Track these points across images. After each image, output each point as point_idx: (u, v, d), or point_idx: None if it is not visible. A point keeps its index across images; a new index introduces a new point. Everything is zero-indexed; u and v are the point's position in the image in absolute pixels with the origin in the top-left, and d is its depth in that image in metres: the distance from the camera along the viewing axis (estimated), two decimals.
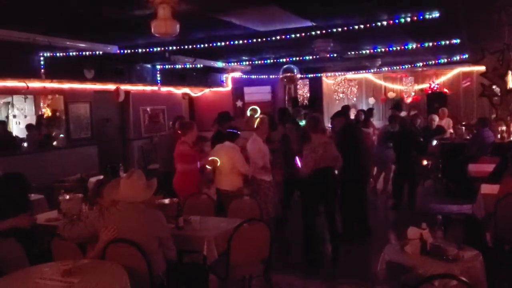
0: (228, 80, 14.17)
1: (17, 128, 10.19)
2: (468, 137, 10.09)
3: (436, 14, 5.90)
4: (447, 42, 8.29)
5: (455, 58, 11.48)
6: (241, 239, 4.31)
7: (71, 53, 7.74)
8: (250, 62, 11.32)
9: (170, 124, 8.62)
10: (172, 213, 4.66)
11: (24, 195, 4.58)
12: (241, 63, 11.53)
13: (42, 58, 8.04)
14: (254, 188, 6.42)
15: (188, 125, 6.44)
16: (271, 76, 13.60)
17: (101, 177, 6.32)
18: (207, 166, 6.40)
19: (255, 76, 13.72)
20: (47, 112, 9.89)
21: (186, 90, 13.27)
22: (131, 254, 3.62)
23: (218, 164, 6.21)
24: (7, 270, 3.73)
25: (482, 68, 9.35)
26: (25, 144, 9.81)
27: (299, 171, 6.37)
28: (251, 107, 13.92)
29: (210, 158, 6.31)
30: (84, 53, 7.67)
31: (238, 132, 6.44)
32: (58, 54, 7.87)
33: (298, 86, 14.92)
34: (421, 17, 6.00)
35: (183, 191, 6.00)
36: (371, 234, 7.02)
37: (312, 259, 6.07)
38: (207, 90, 14.02)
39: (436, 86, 13.97)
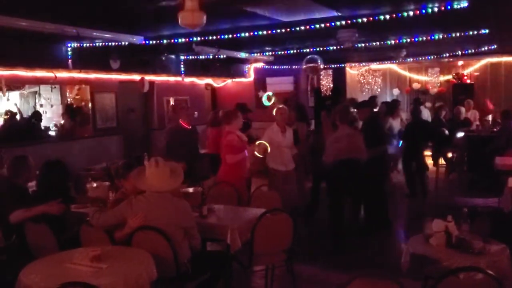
0: (251, 70, 14.17)
1: (44, 117, 10.39)
2: (495, 129, 9.92)
3: (465, 4, 5.78)
4: (475, 32, 8.12)
5: (483, 49, 11.24)
6: (264, 228, 4.35)
7: (97, 44, 7.83)
8: (273, 53, 11.28)
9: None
10: (196, 202, 4.73)
11: (65, 182, 4.70)
12: (264, 54, 11.50)
13: (69, 49, 8.16)
14: (271, 178, 6.48)
15: (233, 114, 6.23)
16: (293, 67, 13.54)
17: None
18: (256, 152, 6.25)
19: (278, 67, 13.68)
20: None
21: (209, 80, 13.32)
22: (158, 241, 3.70)
23: (269, 150, 6.11)
24: (38, 255, 3.86)
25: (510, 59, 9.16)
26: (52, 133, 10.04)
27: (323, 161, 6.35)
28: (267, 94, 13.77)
29: (257, 143, 6.18)
30: (110, 43, 7.75)
31: (249, 123, 6.41)
32: (85, 45, 7.98)
33: (321, 77, 14.81)
34: (449, 7, 5.89)
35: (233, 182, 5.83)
36: (391, 226, 7.00)
37: (337, 247, 6.09)
38: (229, 81, 14.05)
39: (466, 76, 13.66)
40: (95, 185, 5.35)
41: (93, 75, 9.20)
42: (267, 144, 6.11)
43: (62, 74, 8.47)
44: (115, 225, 3.89)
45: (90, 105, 9.55)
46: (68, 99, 10.28)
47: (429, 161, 11.63)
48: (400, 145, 9.27)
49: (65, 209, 4.40)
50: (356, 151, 5.99)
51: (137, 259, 3.46)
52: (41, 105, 11.13)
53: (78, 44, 7.99)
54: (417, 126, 8.75)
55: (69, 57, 8.19)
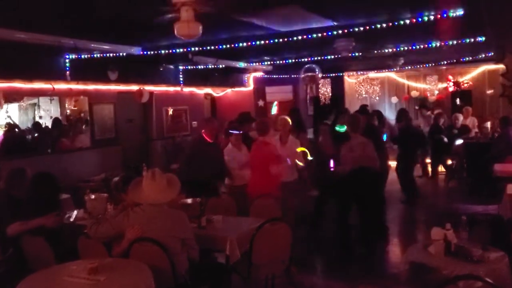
0: (250, 80, 14.20)
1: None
2: (494, 136, 9.93)
3: (460, 12, 5.81)
4: (472, 40, 8.15)
5: (480, 56, 11.28)
6: (263, 239, 4.33)
7: (95, 55, 7.86)
8: (272, 62, 11.31)
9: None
10: (194, 213, 4.72)
11: (54, 195, 4.69)
12: (263, 63, 11.54)
13: (67, 60, 8.19)
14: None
15: (267, 124, 6.19)
16: (292, 76, 13.58)
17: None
18: (298, 162, 6.23)
19: (277, 76, 13.72)
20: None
21: (208, 90, 13.33)
22: (155, 253, 3.68)
23: (309, 156, 6.12)
24: (35, 268, 3.84)
25: None
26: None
27: (337, 169, 6.33)
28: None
29: (299, 151, 6.19)
30: (108, 54, 7.78)
31: (240, 132, 6.41)
32: (83, 56, 8.00)
33: (319, 85, 14.86)
34: (445, 15, 5.92)
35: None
36: (387, 234, 6.98)
37: (346, 255, 6.12)
38: (229, 90, 14.07)
39: (466, 83, 13.69)
40: (93, 196, 5.35)
41: (91, 87, 9.20)
42: (306, 150, 6.14)
43: (60, 86, 8.48)
44: (113, 237, 3.88)
45: (88, 116, 9.54)
46: (67, 111, 10.30)
47: (429, 168, 11.69)
48: None
49: (61, 221, 4.39)
50: (369, 159, 6.03)
51: (135, 271, 3.44)
52: (40, 117, 11.13)
53: (76, 56, 8.02)
54: (408, 133, 8.84)
55: (67, 68, 8.21)
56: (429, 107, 12.67)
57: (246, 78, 14.08)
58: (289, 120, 6.68)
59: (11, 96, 8.72)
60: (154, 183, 3.87)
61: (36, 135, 9.63)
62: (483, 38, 8.00)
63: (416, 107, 13.68)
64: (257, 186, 5.86)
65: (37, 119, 10.97)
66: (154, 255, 3.67)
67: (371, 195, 6.19)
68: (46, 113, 11.07)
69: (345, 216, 6.27)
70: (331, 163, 6.80)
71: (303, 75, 10.51)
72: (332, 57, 9.70)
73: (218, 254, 4.74)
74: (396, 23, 6.23)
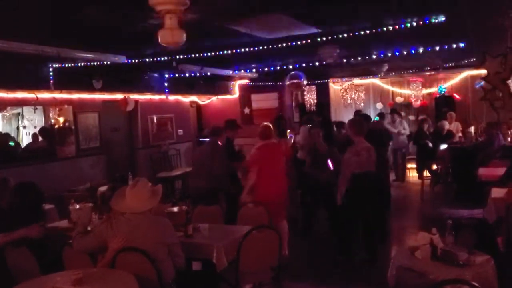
0: (235, 87, 14.21)
1: (27, 139, 10.28)
2: (479, 140, 10.05)
3: (442, 18, 5.89)
4: (454, 46, 8.26)
5: (463, 62, 11.43)
6: (250, 246, 4.31)
7: (79, 64, 7.80)
8: (257, 70, 11.34)
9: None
10: (181, 221, 4.68)
11: (37, 205, 4.63)
12: (248, 71, 11.56)
13: (51, 69, 8.11)
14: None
15: (271, 129, 6.27)
16: (278, 83, 13.62)
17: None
18: None
19: (262, 83, 13.75)
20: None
21: (193, 98, 13.32)
22: (141, 262, 3.64)
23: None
24: (19, 279, 3.77)
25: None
26: None
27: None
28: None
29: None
30: (92, 63, 7.72)
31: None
32: (66, 65, 7.93)
33: (305, 92, 14.92)
34: (427, 21, 5.99)
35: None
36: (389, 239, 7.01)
37: (344, 261, 6.11)
38: (214, 98, 14.07)
39: (444, 90, 13.85)
40: (77, 206, 5.29)
41: (75, 95, 9.14)
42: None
43: (44, 95, 8.40)
44: (97, 248, 3.83)
45: (73, 125, 9.46)
46: (52, 120, 10.19)
47: (414, 174, 11.80)
48: None
49: (45, 232, 4.33)
50: (373, 164, 5.97)
51: (120, 281, 3.40)
52: (24, 127, 11.01)
53: (60, 65, 7.95)
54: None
55: (51, 77, 8.13)
56: (400, 114, 12.78)
57: (231, 86, 14.09)
58: (271, 126, 6.71)
59: None
60: (135, 192, 3.84)
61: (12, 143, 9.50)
62: (464, 44, 8.11)
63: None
64: (271, 192, 5.83)
65: (20, 129, 10.86)
66: (140, 264, 3.63)
67: (376, 200, 6.12)
68: (30, 123, 10.96)
69: (351, 222, 6.14)
70: (329, 163, 6.78)
71: (288, 82, 10.55)
72: (317, 64, 9.76)
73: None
74: (379, 30, 6.30)
